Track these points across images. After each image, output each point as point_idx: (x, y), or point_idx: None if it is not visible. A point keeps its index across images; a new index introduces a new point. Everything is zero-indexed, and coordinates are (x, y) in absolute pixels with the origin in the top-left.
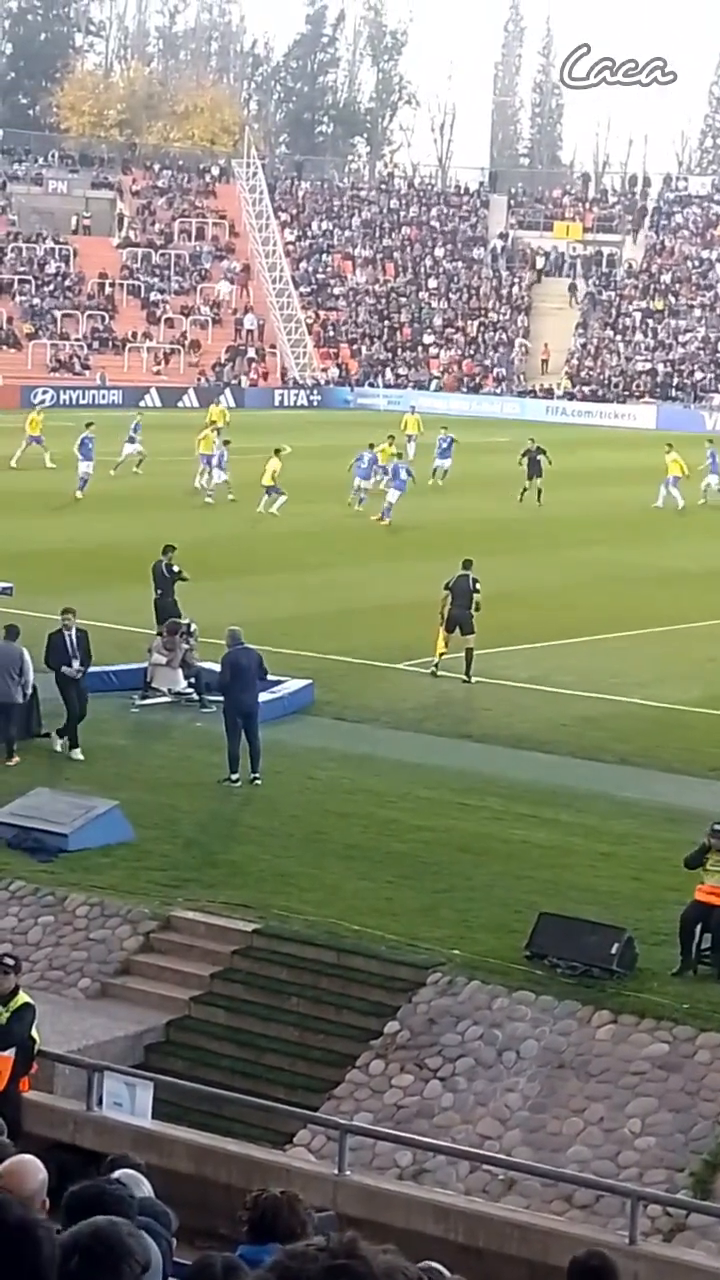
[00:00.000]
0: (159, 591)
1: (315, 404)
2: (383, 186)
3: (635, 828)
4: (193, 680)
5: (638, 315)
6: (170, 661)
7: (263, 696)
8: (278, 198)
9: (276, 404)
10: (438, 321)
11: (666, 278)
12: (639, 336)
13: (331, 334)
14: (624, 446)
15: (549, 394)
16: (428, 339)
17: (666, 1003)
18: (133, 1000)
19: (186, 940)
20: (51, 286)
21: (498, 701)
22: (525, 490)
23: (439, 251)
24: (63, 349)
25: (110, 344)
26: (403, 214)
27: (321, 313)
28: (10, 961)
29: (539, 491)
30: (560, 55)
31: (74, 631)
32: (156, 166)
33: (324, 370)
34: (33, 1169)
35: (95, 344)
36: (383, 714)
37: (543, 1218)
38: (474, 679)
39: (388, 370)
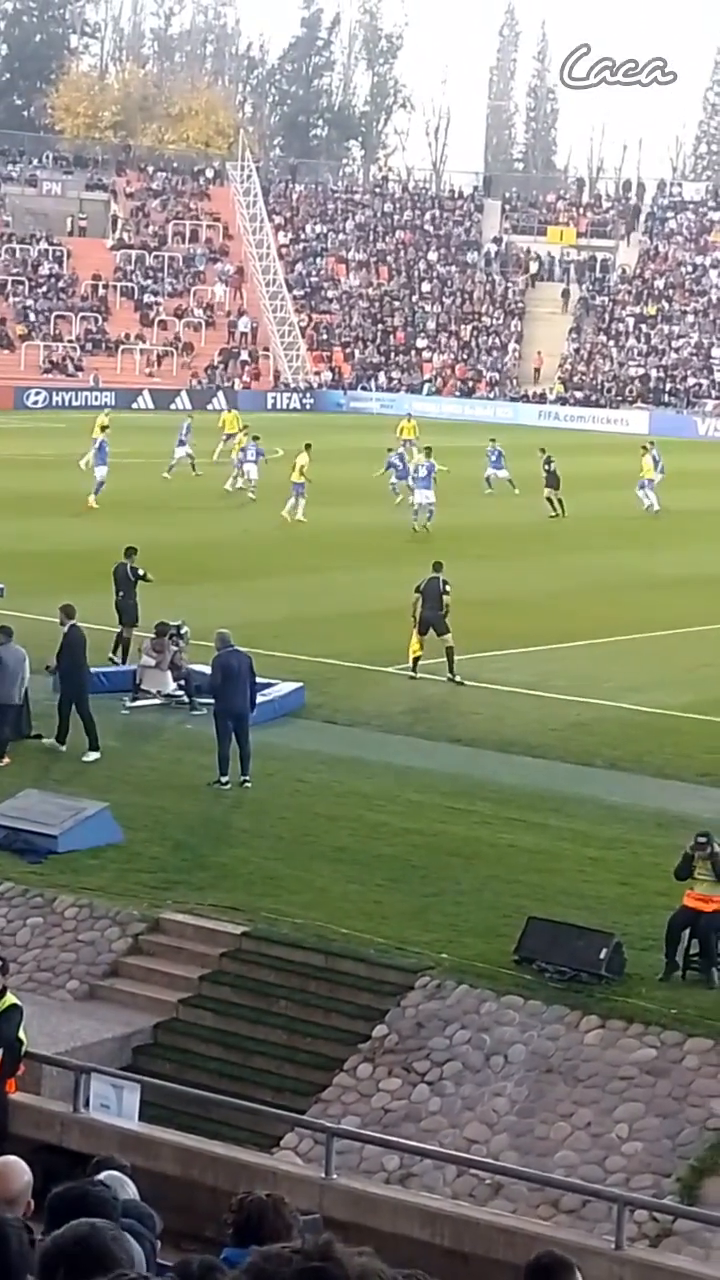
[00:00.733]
0: (120, 593)
1: (308, 407)
2: (377, 190)
3: (624, 832)
4: (182, 682)
5: (631, 320)
6: (160, 664)
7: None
8: (272, 200)
9: (269, 407)
10: (431, 325)
11: (660, 283)
12: (632, 341)
13: (325, 337)
14: (616, 451)
15: (542, 399)
16: (421, 343)
17: (654, 1008)
18: (121, 1002)
19: (175, 942)
20: (45, 288)
21: (488, 705)
22: (553, 502)
23: (433, 255)
24: (56, 350)
25: (103, 346)
26: (397, 218)
27: (315, 316)
28: None
29: (560, 501)
30: (555, 59)
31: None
32: (151, 168)
33: (317, 373)
34: (18, 1170)
35: (88, 346)
36: (373, 717)
37: (529, 1222)
38: (459, 677)
39: (381, 374)
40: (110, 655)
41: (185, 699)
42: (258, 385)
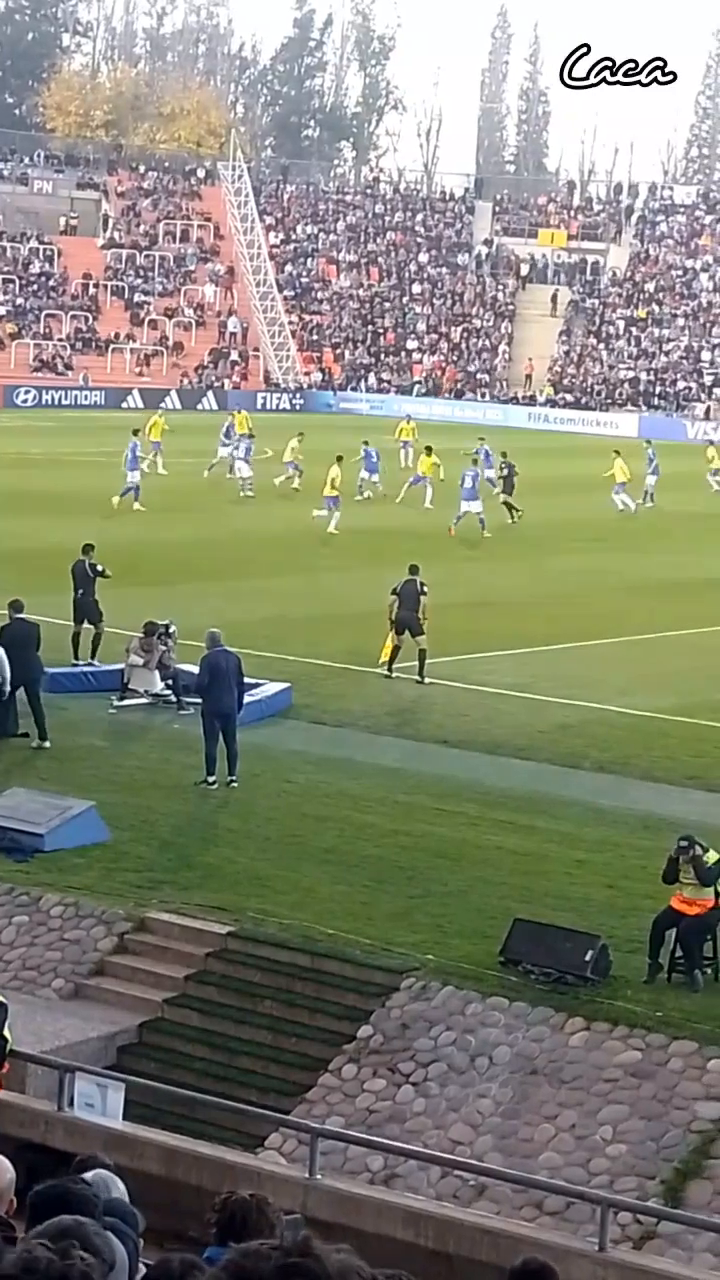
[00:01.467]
0: (79, 591)
1: (298, 408)
2: (368, 191)
3: (611, 835)
4: (170, 682)
5: (621, 323)
6: (148, 663)
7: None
8: (263, 201)
9: (259, 407)
10: (421, 327)
11: (650, 286)
12: (622, 344)
13: (315, 338)
14: (606, 454)
15: (532, 401)
16: (411, 344)
17: (639, 1010)
18: (106, 1001)
19: (161, 942)
20: (35, 286)
21: (476, 707)
22: (510, 507)
23: (423, 257)
24: (46, 349)
25: (93, 345)
26: (388, 219)
27: (305, 316)
28: None
29: (515, 508)
30: (548, 62)
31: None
32: (142, 168)
33: (307, 374)
34: (1, 1169)
35: (78, 344)
36: (360, 718)
37: (513, 1224)
38: (427, 680)
39: (371, 375)
40: (74, 659)
41: (173, 698)
42: (247, 385)
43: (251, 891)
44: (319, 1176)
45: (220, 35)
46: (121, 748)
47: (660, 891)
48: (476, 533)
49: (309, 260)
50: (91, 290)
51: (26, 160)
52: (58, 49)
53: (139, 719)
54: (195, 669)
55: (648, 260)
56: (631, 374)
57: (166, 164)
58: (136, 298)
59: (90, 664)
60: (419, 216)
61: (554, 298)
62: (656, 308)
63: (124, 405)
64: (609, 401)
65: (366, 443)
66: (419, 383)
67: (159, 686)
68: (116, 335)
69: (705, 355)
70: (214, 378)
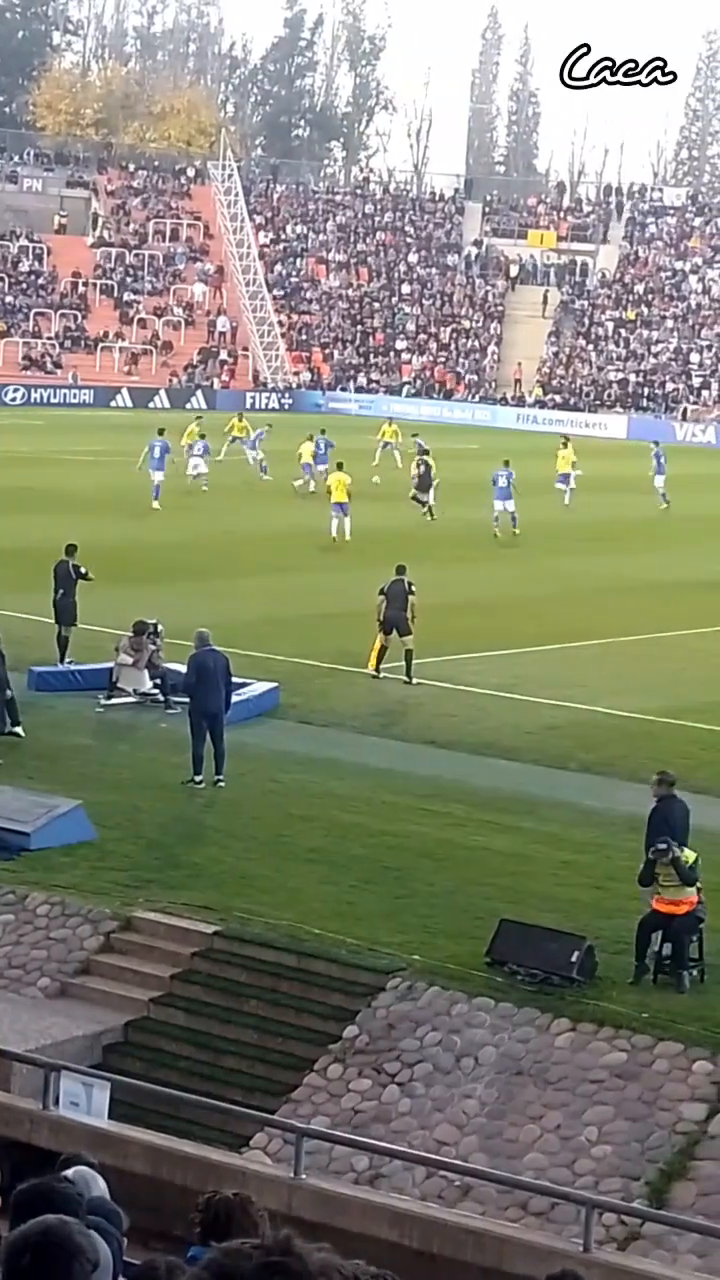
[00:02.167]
0: (60, 592)
1: (286, 407)
2: (358, 191)
3: (597, 836)
4: (158, 681)
5: (610, 325)
6: (137, 662)
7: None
8: (253, 200)
9: (248, 406)
10: (410, 327)
11: (640, 288)
12: (611, 346)
13: (304, 338)
14: (594, 456)
15: (520, 402)
16: (400, 344)
17: (625, 1011)
18: (92, 1000)
19: (147, 941)
20: (24, 285)
21: (463, 708)
22: (419, 501)
23: (413, 257)
24: (34, 347)
25: (82, 343)
26: (377, 219)
27: (294, 316)
28: None
29: (429, 505)
30: (538, 63)
31: None
32: (132, 167)
33: (296, 374)
34: None
35: (67, 343)
36: (348, 718)
37: (498, 1224)
38: (415, 680)
39: (360, 375)
40: (61, 662)
41: (160, 698)
42: (236, 385)
43: (238, 891)
44: (304, 1176)
45: (211, 34)
46: (109, 747)
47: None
48: (508, 530)
49: (298, 260)
50: (81, 289)
51: (16, 158)
52: (48, 47)
53: (126, 718)
54: (183, 668)
55: (637, 262)
56: (620, 375)
57: (156, 163)
58: (126, 296)
59: (63, 665)
60: (409, 217)
61: (543, 299)
62: (645, 309)
63: (113, 404)
64: (598, 403)
65: (323, 431)
66: (408, 383)
67: (148, 685)
68: (105, 334)
69: (694, 357)
70: (203, 377)
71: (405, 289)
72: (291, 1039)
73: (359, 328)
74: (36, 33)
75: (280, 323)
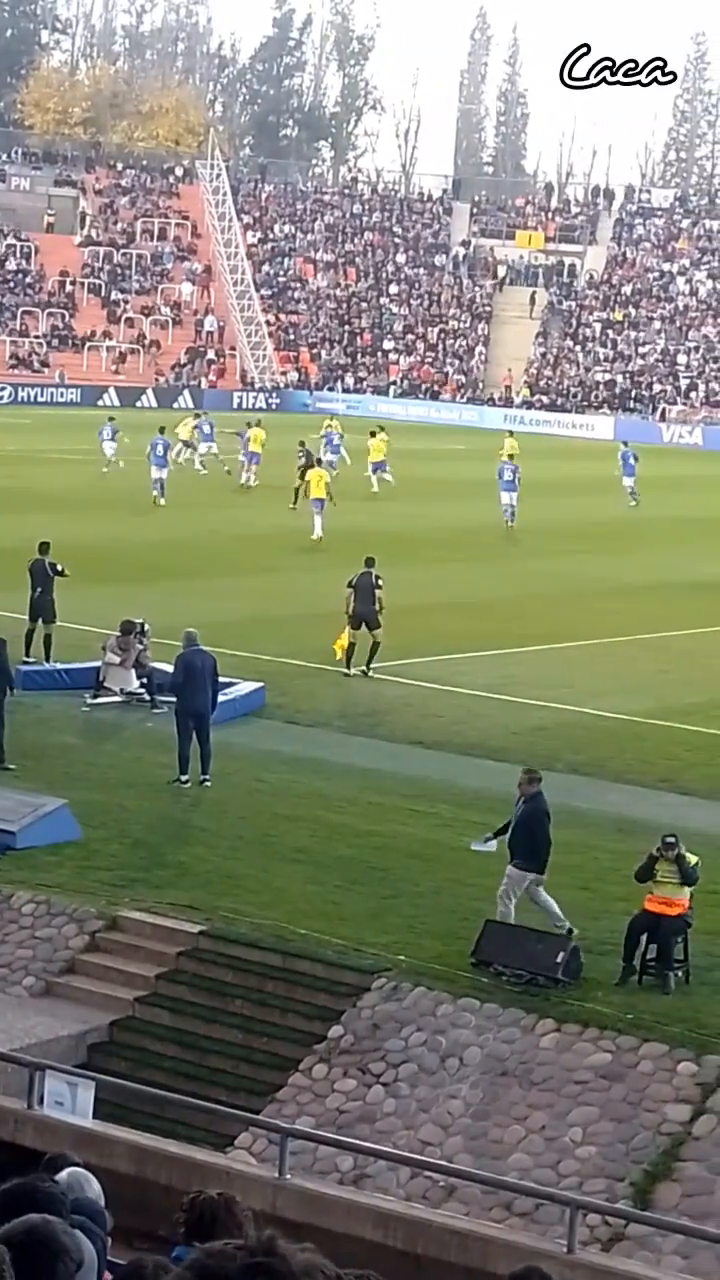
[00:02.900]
0: (38, 590)
1: (274, 407)
2: (346, 191)
3: (584, 837)
4: (144, 681)
5: (598, 326)
6: (124, 661)
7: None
8: (241, 200)
9: (235, 406)
10: (398, 327)
11: (627, 289)
12: (598, 347)
13: (292, 337)
14: (581, 457)
15: (508, 402)
16: (388, 344)
17: (610, 1012)
18: (77, 999)
19: (132, 940)
20: (12, 283)
21: (450, 708)
22: (297, 493)
23: (401, 257)
24: (22, 346)
25: (70, 342)
26: (365, 219)
27: (282, 316)
28: None
29: (297, 492)
30: (526, 64)
31: None
32: (120, 165)
33: (283, 373)
34: None
35: (55, 342)
36: (334, 718)
37: (482, 1225)
38: (372, 672)
39: (347, 375)
40: (25, 656)
41: (146, 697)
42: (223, 384)
43: (223, 891)
44: (288, 1176)
45: (199, 34)
46: (95, 746)
47: (633, 894)
48: (506, 525)
49: (286, 260)
50: (68, 288)
51: (4, 157)
52: (36, 46)
53: (112, 717)
54: (170, 668)
55: (624, 263)
56: (607, 376)
57: (144, 162)
58: (113, 295)
59: (40, 664)
60: (396, 217)
61: (531, 299)
62: (633, 310)
63: (100, 403)
64: (584, 404)
65: (249, 424)
66: (395, 383)
67: (134, 685)
68: (93, 333)
69: (681, 358)
70: (190, 376)
71: (393, 289)
72: (276, 1039)
73: (346, 328)
74: (25, 31)
75: (268, 322)
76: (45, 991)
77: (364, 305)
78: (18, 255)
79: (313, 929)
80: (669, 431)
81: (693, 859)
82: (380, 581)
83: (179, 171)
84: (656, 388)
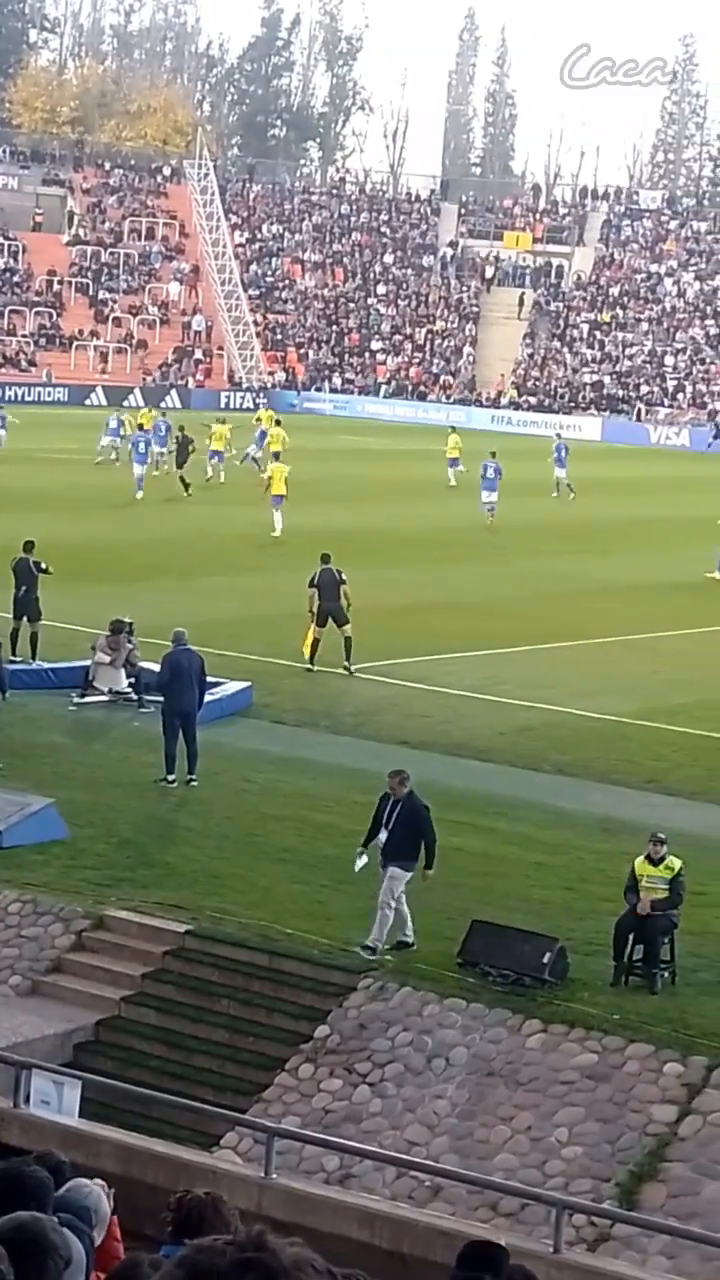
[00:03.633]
0: (23, 588)
1: (261, 407)
2: (334, 191)
3: (570, 838)
4: (133, 680)
5: (585, 327)
6: (114, 661)
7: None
8: (229, 200)
9: (222, 406)
10: (386, 328)
11: (615, 290)
12: (586, 348)
13: (279, 337)
14: (569, 458)
15: (495, 403)
16: (375, 345)
17: (596, 1013)
18: (63, 999)
19: (119, 940)
20: None
21: (437, 708)
22: (184, 481)
23: (389, 258)
24: (9, 345)
25: (57, 341)
26: (353, 219)
27: (270, 316)
28: None
29: (183, 480)
30: (515, 65)
31: None
32: (108, 165)
33: (271, 373)
34: None
35: (42, 341)
36: (321, 718)
37: (468, 1225)
38: (353, 669)
39: (335, 375)
40: (11, 655)
41: (133, 696)
42: (211, 384)
43: (210, 890)
44: (275, 1176)
45: (188, 33)
46: (81, 745)
47: (618, 894)
48: (486, 519)
49: (274, 259)
50: (56, 287)
51: None
52: (24, 45)
53: (99, 716)
54: (156, 667)
55: (612, 264)
56: (595, 377)
57: (132, 161)
58: (101, 295)
59: (26, 662)
60: (384, 217)
61: (519, 300)
62: (621, 312)
63: (87, 402)
64: (572, 404)
65: (163, 414)
66: (384, 384)
67: (124, 684)
68: (80, 332)
69: (669, 360)
70: (178, 376)
71: (381, 289)
72: (263, 1038)
73: (334, 328)
74: (13, 30)
75: (255, 322)
76: (32, 990)
77: (352, 305)
78: (5, 254)
79: (299, 929)
80: (656, 432)
81: (675, 864)
82: (344, 576)
83: (167, 171)
84: (644, 389)
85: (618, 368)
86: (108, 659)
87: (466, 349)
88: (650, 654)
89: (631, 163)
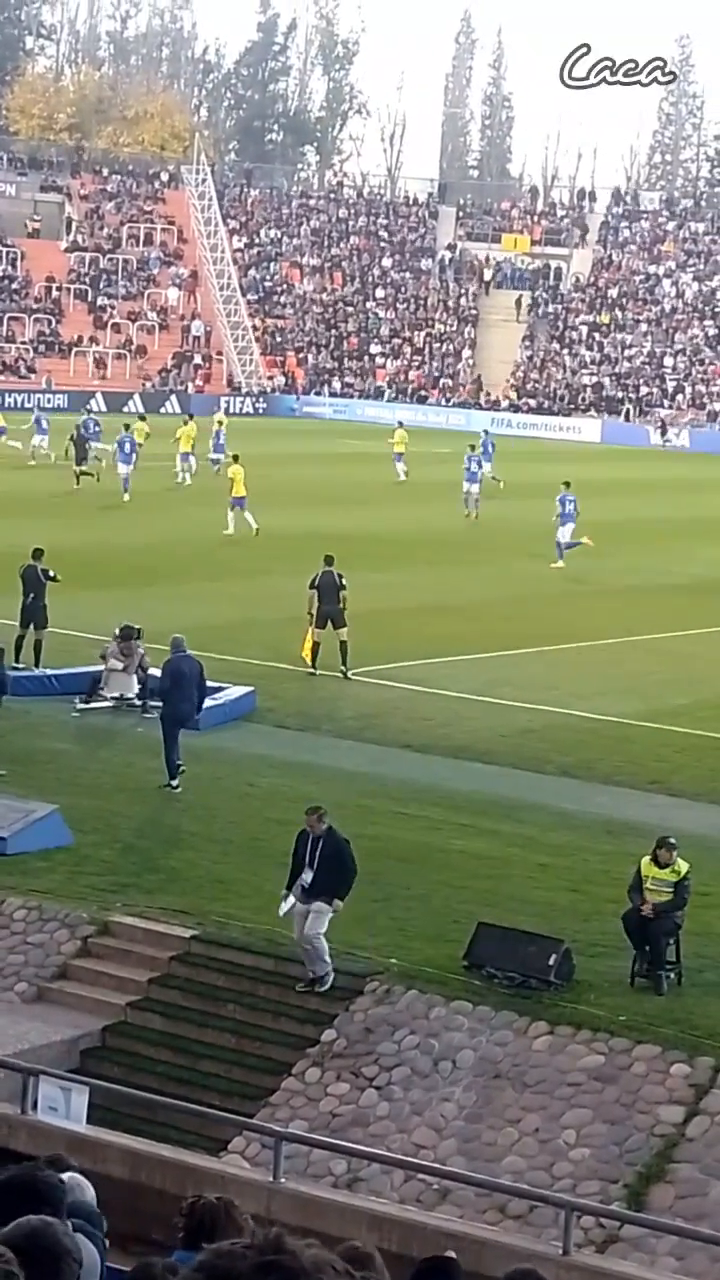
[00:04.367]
0: (30, 596)
1: (261, 411)
2: (331, 195)
3: (574, 839)
4: (141, 685)
5: (584, 329)
6: (127, 667)
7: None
8: (226, 205)
9: (224, 411)
10: (385, 331)
11: (613, 292)
12: (585, 350)
13: (278, 342)
14: (568, 460)
15: (495, 405)
16: (374, 349)
17: (603, 1014)
18: (69, 1005)
19: (124, 945)
20: None
21: (439, 711)
22: (77, 476)
23: (387, 261)
24: (8, 352)
25: (56, 348)
26: (351, 223)
27: (269, 320)
28: None
29: (79, 475)
30: (511, 67)
31: None
32: (105, 171)
33: (270, 378)
34: None
35: (41, 347)
36: (323, 722)
37: (476, 1227)
38: (351, 673)
39: (334, 379)
40: (15, 662)
41: (137, 702)
42: (210, 389)
43: (215, 895)
44: (282, 1180)
45: (184, 39)
46: (85, 751)
47: (623, 895)
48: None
49: (272, 264)
50: (54, 293)
51: None
52: (21, 52)
53: (103, 722)
54: (157, 673)
55: (611, 266)
56: (594, 379)
57: (130, 167)
58: (100, 301)
59: (29, 669)
60: (382, 221)
61: (517, 303)
62: (619, 313)
63: (87, 409)
64: (571, 407)
65: (89, 409)
66: (383, 387)
67: (135, 690)
68: (79, 339)
69: (668, 361)
70: (177, 381)
71: (379, 293)
72: (269, 1043)
73: (333, 332)
74: (9, 37)
75: (254, 327)
76: (37, 997)
77: (350, 309)
78: (3, 261)
79: None
80: (656, 433)
81: (683, 867)
82: (344, 580)
83: (164, 177)
84: (643, 390)
85: (617, 369)
86: (121, 665)
87: (465, 352)
88: (652, 655)
89: (629, 164)
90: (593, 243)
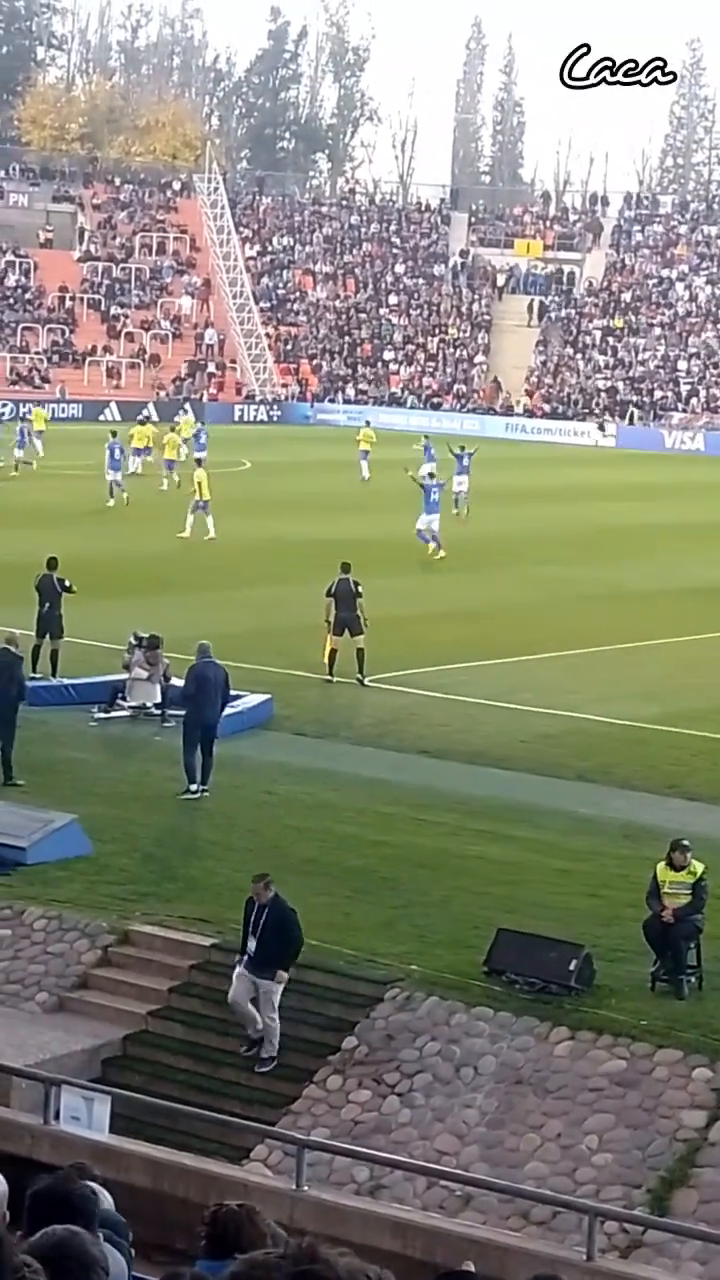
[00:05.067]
0: (46, 605)
1: (275, 419)
2: (344, 202)
3: (593, 844)
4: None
5: (598, 333)
6: (151, 676)
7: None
8: (239, 213)
9: (236, 419)
10: (398, 338)
11: (626, 296)
12: (598, 354)
13: (292, 349)
14: (582, 464)
15: (509, 410)
16: (388, 355)
17: (624, 1019)
18: (90, 1014)
19: (144, 954)
20: (11, 300)
21: (456, 717)
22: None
23: (400, 268)
24: (22, 362)
25: (70, 358)
26: (364, 230)
27: (282, 328)
28: None
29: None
30: (522, 73)
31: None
32: (118, 180)
33: (284, 386)
34: None
35: (55, 357)
36: (341, 729)
37: (500, 1234)
38: (367, 680)
39: (348, 386)
40: (32, 672)
41: (156, 711)
42: (224, 397)
43: (234, 903)
44: (305, 1188)
45: (195, 47)
46: (103, 761)
47: (642, 900)
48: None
49: (285, 272)
50: (68, 303)
51: (2, 173)
52: (32, 62)
53: (121, 732)
54: (180, 682)
55: (624, 270)
56: (608, 384)
57: (142, 176)
58: (113, 310)
59: (46, 679)
60: (395, 227)
61: (530, 308)
62: (633, 317)
63: (101, 418)
64: (585, 411)
65: (112, 433)
66: (396, 394)
67: (158, 699)
68: (93, 348)
69: (681, 365)
70: (191, 390)
71: (392, 300)
72: (290, 1050)
73: (346, 339)
74: (20, 48)
75: (267, 335)
76: (58, 1007)
77: (363, 316)
78: (17, 271)
79: (324, 940)
80: (671, 438)
81: (699, 868)
82: (360, 588)
83: (176, 185)
84: (657, 394)
85: (631, 373)
86: (145, 674)
87: (479, 358)
88: (669, 659)
89: (641, 168)
90: (605, 247)
